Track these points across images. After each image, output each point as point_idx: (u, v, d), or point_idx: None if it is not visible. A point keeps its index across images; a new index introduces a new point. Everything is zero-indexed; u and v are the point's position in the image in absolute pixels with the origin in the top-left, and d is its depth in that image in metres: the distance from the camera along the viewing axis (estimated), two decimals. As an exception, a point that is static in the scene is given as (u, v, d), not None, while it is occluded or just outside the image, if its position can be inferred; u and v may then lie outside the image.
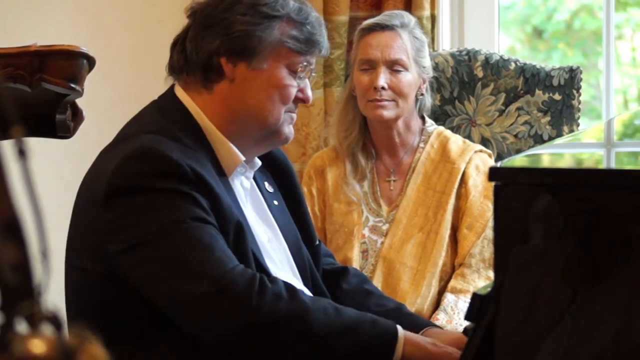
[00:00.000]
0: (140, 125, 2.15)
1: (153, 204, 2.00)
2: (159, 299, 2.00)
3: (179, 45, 2.18)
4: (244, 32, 2.11)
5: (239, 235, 2.06)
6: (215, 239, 1.99)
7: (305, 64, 2.16)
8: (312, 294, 2.24)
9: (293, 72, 2.15)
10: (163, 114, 2.15)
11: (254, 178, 2.26)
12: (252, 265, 2.07)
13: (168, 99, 2.19)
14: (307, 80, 2.19)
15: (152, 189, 2.00)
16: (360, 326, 2.03)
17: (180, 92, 2.18)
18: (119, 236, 2.01)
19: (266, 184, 2.30)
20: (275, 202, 2.29)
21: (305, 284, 2.25)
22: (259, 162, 2.25)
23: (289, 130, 2.19)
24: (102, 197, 2.01)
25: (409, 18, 3.22)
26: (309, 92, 2.20)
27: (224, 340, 1.99)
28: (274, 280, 2.01)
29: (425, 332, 2.25)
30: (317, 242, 2.37)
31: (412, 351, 2.06)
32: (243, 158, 2.16)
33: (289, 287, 2.01)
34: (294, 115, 2.20)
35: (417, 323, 2.30)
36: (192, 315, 1.98)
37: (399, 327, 2.08)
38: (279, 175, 2.35)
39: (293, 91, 2.16)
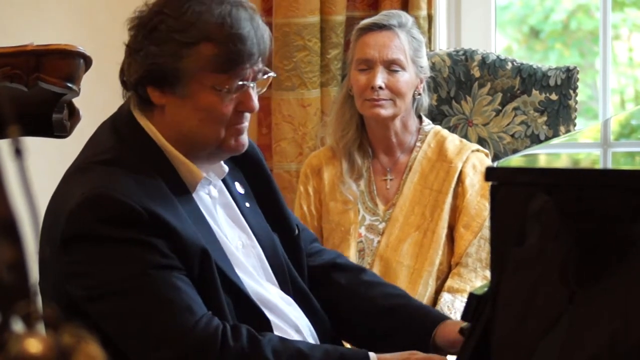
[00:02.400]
0: (96, 149, 2.11)
1: (112, 254, 2.00)
2: (124, 348, 2.03)
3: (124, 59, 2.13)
4: (159, 65, 2.04)
5: (205, 261, 2.04)
6: (176, 289, 1.99)
7: (237, 84, 2.06)
8: (292, 296, 2.22)
9: (222, 91, 2.06)
10: (119, 135, 2.10)
11: (223, 180, 2.21)
12: (219, 288, 2.06)
13: (124, 117, 2.14)
14: (249, 90, 2.08)
15: (108, 237, 1.98)
16: None
17: (135, 109, 2.13)
18: (80, 282, 2.02)
19: (237, 184, 2.24)
20: (247, 205, 2.24)
21: (283, 288, 2.21)
22: (226, 169, 2.19)
23: (236, 142, 2.10)
24: (60, 239, 2.00)
25: (407, 18, 3.22)
26: (252, 103, 2.09)
27: None
28: (237, 335, 2.00)
29: (439, 328, 2.22)
30: (297, 232, 2.31)
31: None
32: (204, 174, 2.12)
33: (251, 341, 2.00)
34: (242, 126, 2.11)
35: (428, 317, 2.27)
36: None
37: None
38: (250, 171, 2.28)
39: (226, 109, 2.07)
